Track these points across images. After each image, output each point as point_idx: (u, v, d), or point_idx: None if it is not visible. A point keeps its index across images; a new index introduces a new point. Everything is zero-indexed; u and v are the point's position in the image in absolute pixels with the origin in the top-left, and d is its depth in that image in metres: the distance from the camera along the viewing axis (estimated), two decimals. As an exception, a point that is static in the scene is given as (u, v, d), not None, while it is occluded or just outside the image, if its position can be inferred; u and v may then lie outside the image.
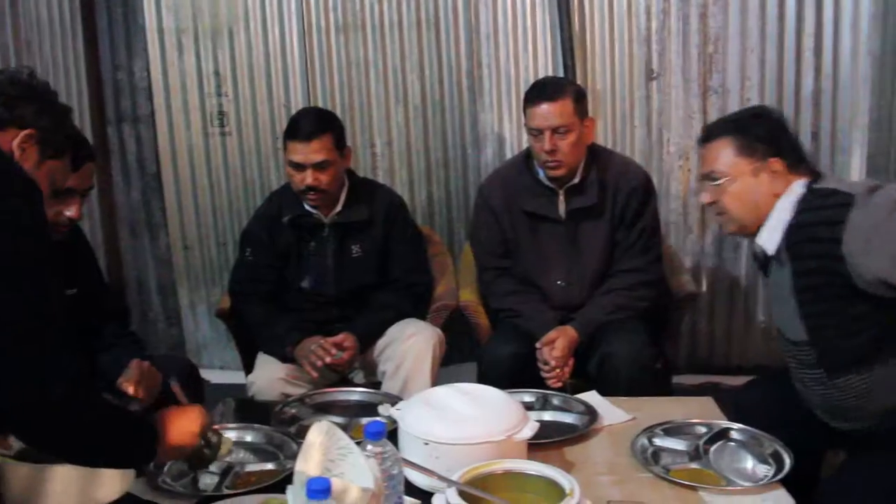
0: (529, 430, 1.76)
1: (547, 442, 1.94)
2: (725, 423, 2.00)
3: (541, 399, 2.21)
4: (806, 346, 1.89)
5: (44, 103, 1.58)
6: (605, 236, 2.58)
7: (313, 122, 2.62)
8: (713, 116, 3.36)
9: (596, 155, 2.61)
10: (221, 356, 3.80)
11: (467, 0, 3.39)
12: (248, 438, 2.02)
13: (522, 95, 3.37)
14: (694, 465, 1.84)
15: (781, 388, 2.12)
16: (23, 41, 3.10)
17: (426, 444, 1.71)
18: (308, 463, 1.32)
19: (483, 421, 1.74)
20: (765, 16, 3.25)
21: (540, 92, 2.51)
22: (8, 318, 1.29)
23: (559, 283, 2.62)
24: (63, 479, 1.53)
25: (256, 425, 2.06)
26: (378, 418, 1.80)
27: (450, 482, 1.55)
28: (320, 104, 3.51)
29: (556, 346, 2.42)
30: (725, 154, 1.92)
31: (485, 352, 2.54)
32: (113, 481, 1.60)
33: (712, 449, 1.89)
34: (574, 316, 2.53)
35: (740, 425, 1.99)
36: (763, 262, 1.99)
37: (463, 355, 3.21)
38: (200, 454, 1.66)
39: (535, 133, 2.49)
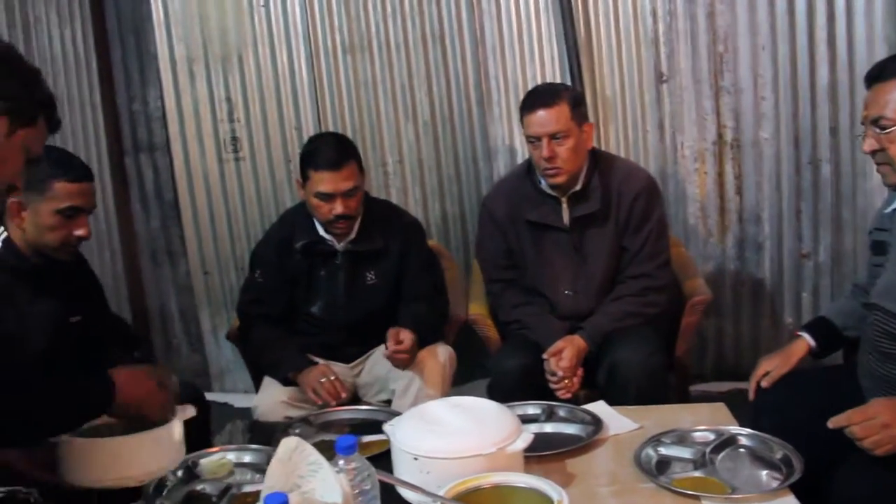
0: (522, 441, 1.71)
1: (548, 454, 1.90)
2: (735, 429, 1.94)
3: (546, 410, 2.16)
4: None
5: (6, 68, 1.45)
6: (611, 243, 2.53)
7: (339, 150, 2.56)
8: (726, 117, 3.31)
9: (598, 160, 2.56)
10: (245, 380, 3.79)
11: (471, 13, 3.38)
12: (247, 459, 2.01)
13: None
14: (698, 474, 1.77)
15: (803, 389, 2.06)
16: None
17: (416, 458, 1.68)
18: (274, 480, 1.30)
19: (474, 434, 1.70)
20: (774, 10, 3.18)
21: (535, 99, 2.48)
22: None
23: (566, 292, 2.57)
24: (112, 450, 1.58)
25: (255, 446, 2.05)
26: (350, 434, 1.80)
27: (435, 497, 1.52)
28: (330, 125, 3.52)
29: (563, 357, 2.37)
30: None
31: (493, 365, 2.50)
32: (163, 454, 1.65)
33: (719, 456, 1.83)
34: (582, 325, 2.48)
35: (749, 430, 1.93)
36: None
37: (482, 371, 3.17)
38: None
39: (533, 141, 2.46)
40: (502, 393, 2.39)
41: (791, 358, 2.11)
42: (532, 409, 2.17)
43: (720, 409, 2.13)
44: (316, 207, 2.55)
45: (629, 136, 3.38)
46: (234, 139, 3.62)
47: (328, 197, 2.51)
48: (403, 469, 1.72)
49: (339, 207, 2.50)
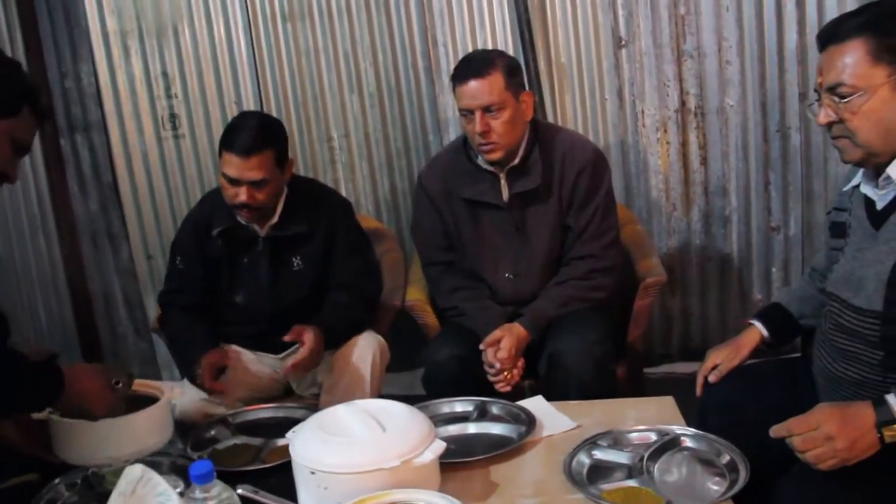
0: (431, 452, 1.55)
1: (471, 461, 1.73)
2: (678, 429, 1.78)
3: (479, 407, 2.00)
4: (875, 318, 1.54)
5: None
6: (554, 221, 2.35)
7: (253, 136, 2.30)
8: (689, 83, 3.12)
9: (539, 132, 2.37)
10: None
11: (417, -24, 3.18)
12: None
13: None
14: (632, 483, 1.61)
15: (754, 383, 1.89)
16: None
17: (312, 472, 1.52)
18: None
19: (378, 445, 1.54)
20: (739, -32, 2.98)
21: (466, 68, 2.27)
22: None
23: (507, 275, 2.39)
24: (99, 431, 1.65)
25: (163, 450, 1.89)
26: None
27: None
28: (271, 98, 3.32)
29: (501, 347, 2.19)
30: (858, 61, 1.50)
31: (426, 355, 2.32)
32: (149, 435, 1.73)
33: (658, 461, 1.67)
34: (523, 311, 2.31)
35: (694, 431, 1.77)
36: (879, 210, 1.60)
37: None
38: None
39: (466, 114, 2.26)
40: (436, 385, 2.23)
41: (741, 349, 1.93)
42: (462, 405, 2.02)
43: (667, 403, 1.97)
44: (223, 188, 2.34)
45: (587, 105, 3.19)
46: (173, 116, 3.42)
47: (233, 182, 2.30)
48: (302, 483, 1.56)
49: (242, 195, 2.28)
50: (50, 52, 3.44)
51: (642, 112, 3.16)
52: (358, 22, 3.24)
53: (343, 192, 3.39)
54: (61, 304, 3.53)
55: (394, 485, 1.47)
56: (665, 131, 3.16)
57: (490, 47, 3.14)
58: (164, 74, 3.38)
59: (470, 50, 3.15)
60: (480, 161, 2.35)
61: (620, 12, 3.09)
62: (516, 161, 2.32)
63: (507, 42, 3.15)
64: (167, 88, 3.39)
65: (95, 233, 3.62)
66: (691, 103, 3.13)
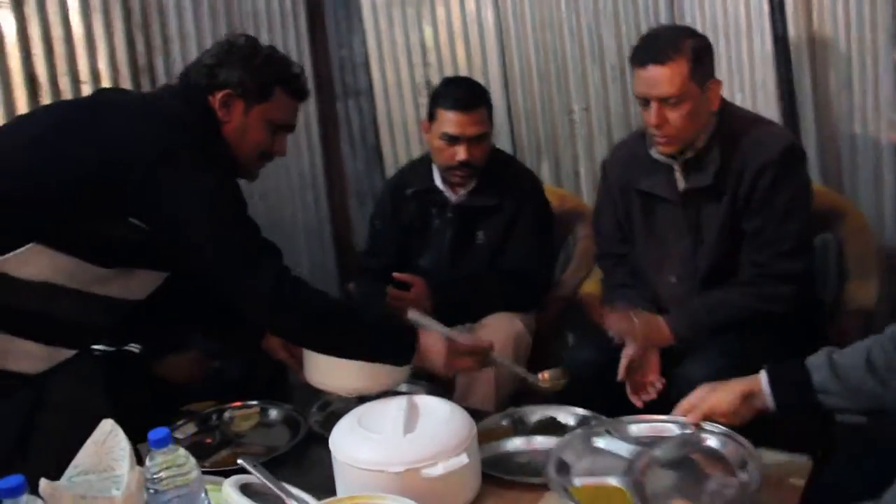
0: (443, 467, 1.46)
1: (519, 481, 1.60)
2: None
3: (581, 420, 1.82)
4: None
5: (237, 60, 1.73)
6: (726, 224, 2.02)
7: (471, 92, 2.44)
8: None
9: (725, 122, 2.03)
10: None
11: (665, -58, 2.89)
12: (273, 416, 2.01)
13: (731, 47, 2.85)
14: (613, 481, 1.44)
15: None
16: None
17: (335, 459, 1.53)
18: (84, 459, 1.26)
19: (392, 447, 1.49)
20: None
21: (647, 49, 1.95)
22: (222, 248, 1.60)
23: (672, 279, 2.12)
24: (340, 362, 1.79)
25: (286, 405, 2.03)
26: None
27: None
28: (516, 68, 3.30)
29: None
30: None
31: (568, 354, 2.18)
32: (382, 375, 1.82)
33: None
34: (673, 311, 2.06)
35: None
36: None
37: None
38: None
39: (642, 101, 2.00)
40: (576, 385, 2.07)
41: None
42: (566, 416, 1.84)
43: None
44: (438, 150, 2.43)
45: (854, 84, 2.66)
46: (428, 83, 3.55)
47: (453, 140, 2.38)
48: (333, 466, 1.57)
49: (462, 153, 2.37)
50: (331, 25, 3.75)
51: (927, 93, 2.57)
52: (601, -9, 3.06)
53: (581, 170, 3.29)
54: (325, 255, 3.86)
55: (399, 490, 1.40)
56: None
57: (743, 18, 2.77)
58: (422, 45, 3.51)
59: (721, 22, 2.82)
60: (653, 152, 2.11)
61: (906, -30, 2.53)
62: (691, 153, 2.04)
63: (761, 10, 2.75)
64: (423, 57, 3.53)
65: (361, 192, 3.91)
66: None
